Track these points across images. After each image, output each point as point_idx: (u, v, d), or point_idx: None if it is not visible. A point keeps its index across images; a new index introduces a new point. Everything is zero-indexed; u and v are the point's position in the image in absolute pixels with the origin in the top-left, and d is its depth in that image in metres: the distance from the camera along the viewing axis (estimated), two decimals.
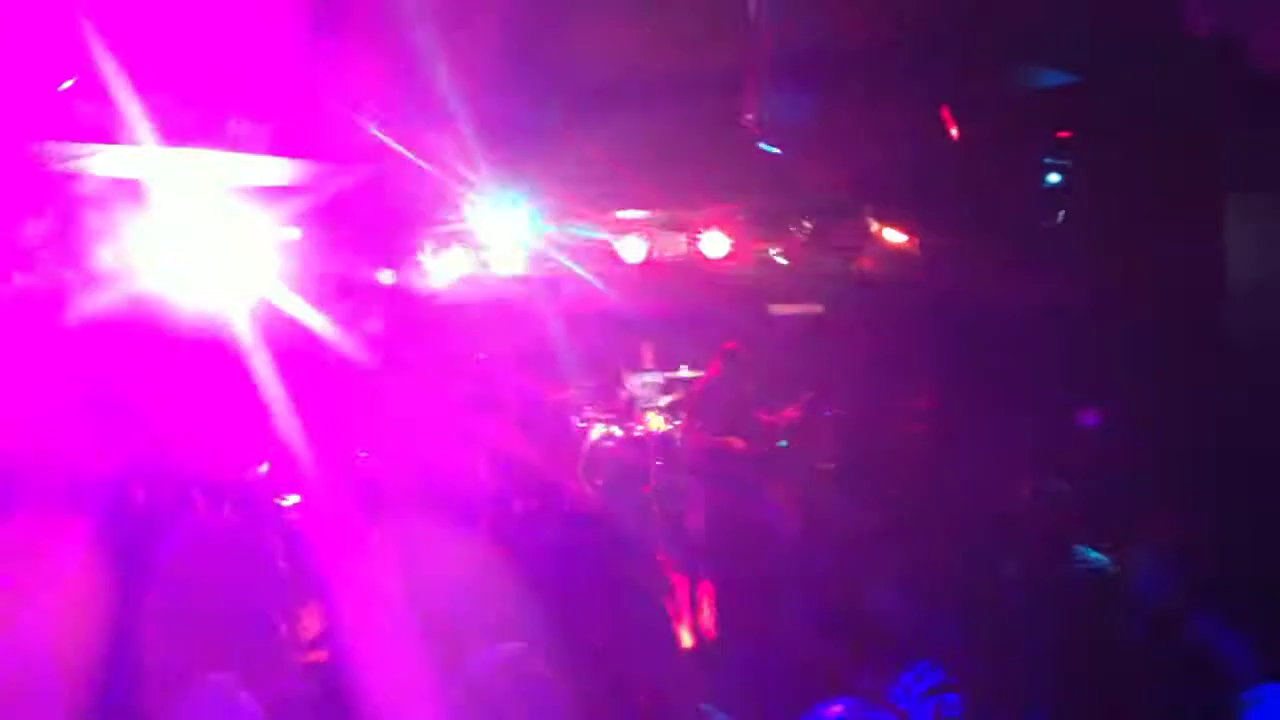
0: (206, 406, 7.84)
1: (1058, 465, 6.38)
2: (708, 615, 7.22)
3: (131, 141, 6.20)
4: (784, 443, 9.81)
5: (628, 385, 12.82)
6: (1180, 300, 7.15)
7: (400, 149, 7.33)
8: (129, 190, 7.70)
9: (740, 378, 9.39)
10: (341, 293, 11.11)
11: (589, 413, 12.78)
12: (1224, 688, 3.73)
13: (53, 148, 6.69)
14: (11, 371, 6.76)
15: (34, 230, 7.70)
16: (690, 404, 9.80)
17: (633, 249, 10.32)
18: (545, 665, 3.20)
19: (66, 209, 7.76)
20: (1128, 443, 7.19)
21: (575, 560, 6.92)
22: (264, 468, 8.14)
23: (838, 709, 2.92)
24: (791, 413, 10.65)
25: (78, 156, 6.86)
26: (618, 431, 12.15)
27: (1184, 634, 3.89)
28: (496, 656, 3.20)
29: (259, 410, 7.79)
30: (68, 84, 5.87)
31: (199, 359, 8.14)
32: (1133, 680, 5.14)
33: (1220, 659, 3.79)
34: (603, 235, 10.52)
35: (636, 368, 12.82)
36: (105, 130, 6.25)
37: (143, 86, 5.86)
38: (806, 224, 10.18)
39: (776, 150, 6.90)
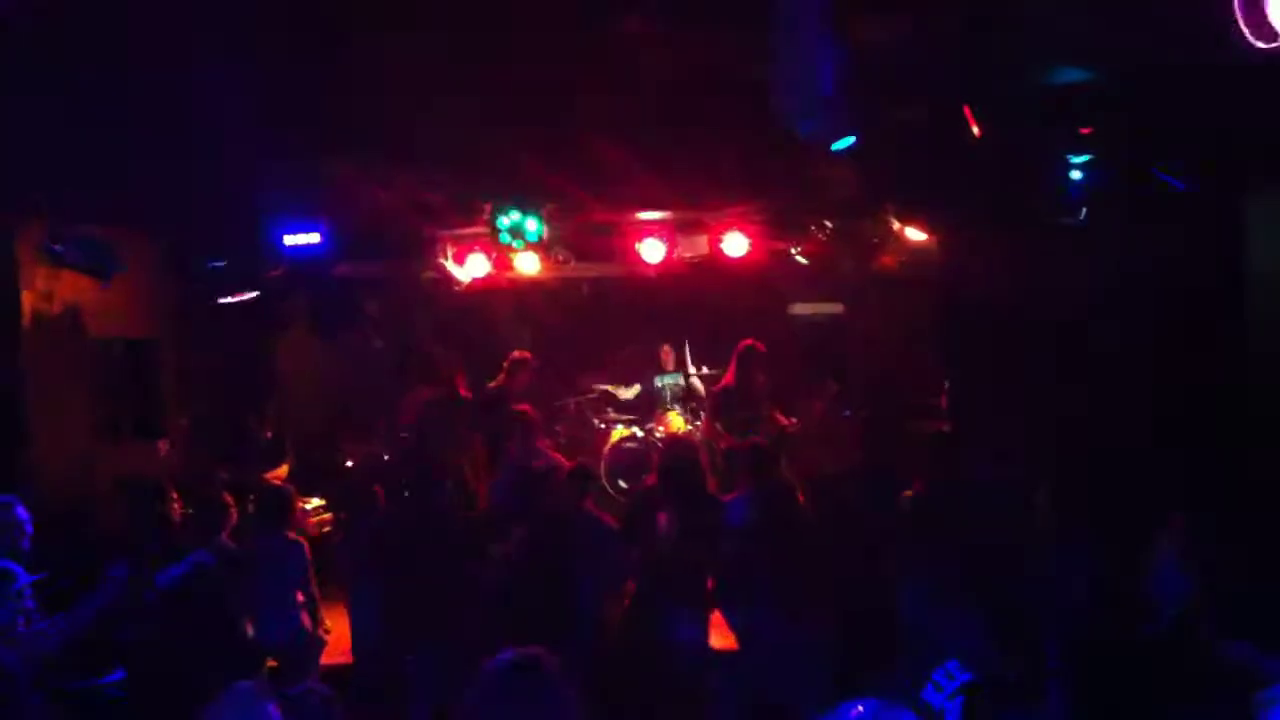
0: None
1: (1076, 465, 6.34)
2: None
3: None
4: None
5: (649, 386, 12.86)
6: (1200, 298, 7.11)
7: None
8: None
9: (757, 377, 9.35)
10: None
11: (610, 413, 12.81)
12: (1240, 690, 3.69)
13: None
14: None
15: None
16: (710, 406, 9.78)
17: (653, 250, 10.31)
18: (559, 667, 3.19)
19: None
20: (1147, 441, 7.14)
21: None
22: None
23: (859, 709, 2.91)
24: (815, 408, 10.66)
25: None
26: (639, 432, 12.17)
27: (1201, 635, 3.86)
28: (511, 658, 3.20)
29: None
30: None
31: None
32: (1151, 682, 5.10)
33: (1236, 660, 3.75)
34: (622, 236, 10.51)
35: (658, 368, 12.85)
36: None
37: None
38: (827, 223, 10.15)
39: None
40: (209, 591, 6.61)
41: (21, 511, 5.91)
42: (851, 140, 6.80)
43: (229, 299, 9.63)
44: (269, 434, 9.57)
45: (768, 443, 9.09)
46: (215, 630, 6.50)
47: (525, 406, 8.94)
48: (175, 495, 7.76)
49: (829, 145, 6.87)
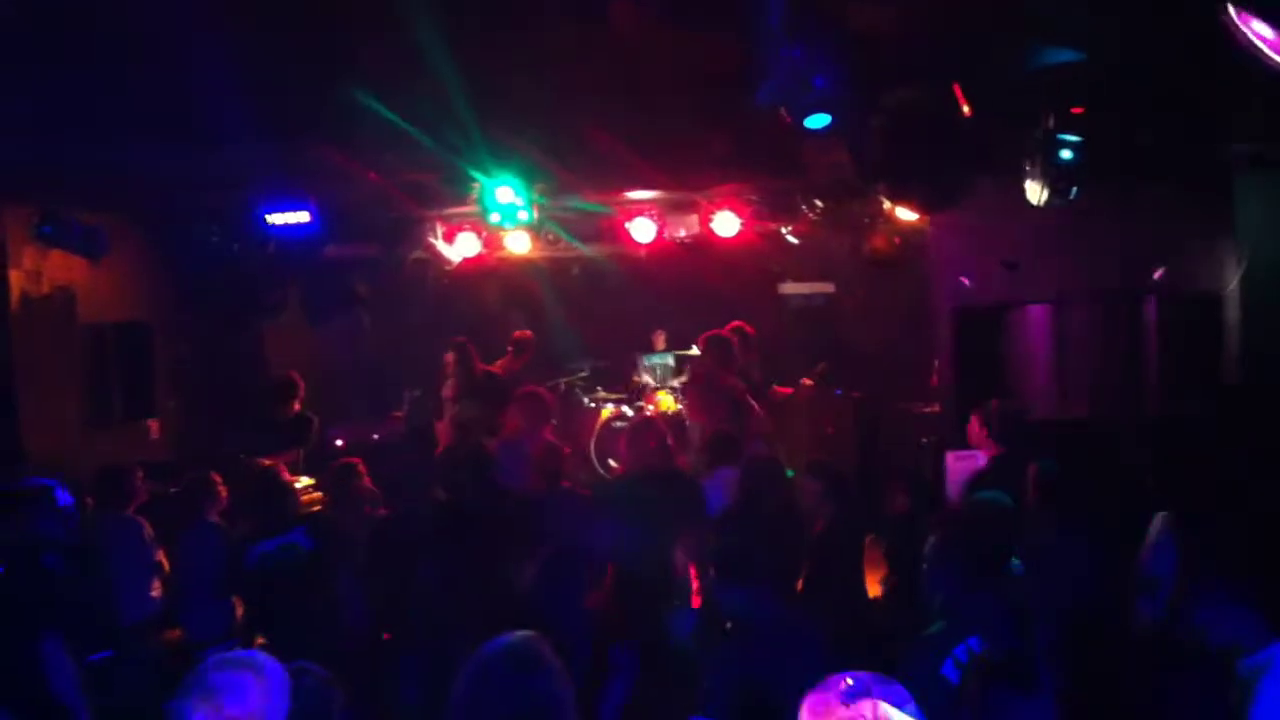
0: None
1: (1064, 448, 6.35)
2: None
3: None
4: None
5: (639, 366, 12.88)
6: (1190, 282, 7.13)
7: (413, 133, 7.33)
8: None
9: (734, 361, 9.26)
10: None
11: (600, 393, 12.82)
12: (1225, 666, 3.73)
13: None
14: None
15: None
16: (692, 388, 9.75)
17: (643, 229, 10.30)
18: (552, 653, 3.19)
19: None
20: (1136, 423, 7.17)
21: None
22: None
23: (848, 682, 2.94)
24: (804, 385, 10.67)
25: None
26: (629, 412, 12.19)
27: (1190, 613, 3.89)
28: (504, 644, 3.20)
29: None
30: None
31: None
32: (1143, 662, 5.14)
33: (1222, 635, 3.79)
34: (613, 216, 10.50)
35: (647, 348, 12.86)
36: None
37: None
38: (818, 203, 10.13)
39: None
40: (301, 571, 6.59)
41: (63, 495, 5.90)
42: (828, 119, 6.78)
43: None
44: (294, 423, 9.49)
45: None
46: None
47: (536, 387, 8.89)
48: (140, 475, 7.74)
49: (786, 110, 6.84)
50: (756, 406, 8.92)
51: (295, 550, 6.62)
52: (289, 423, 9.36)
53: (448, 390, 9.82)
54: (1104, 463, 6.30)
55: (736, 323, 9.77)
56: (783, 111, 6.85)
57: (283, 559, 6.55)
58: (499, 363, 11.13)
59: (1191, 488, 5.69)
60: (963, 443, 7.35)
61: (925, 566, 4.48)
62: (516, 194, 9.56)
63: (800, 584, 6.29)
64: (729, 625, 4.79)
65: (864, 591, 6.67)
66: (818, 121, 6.83)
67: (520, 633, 3.23)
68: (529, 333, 11.30)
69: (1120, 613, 5.38)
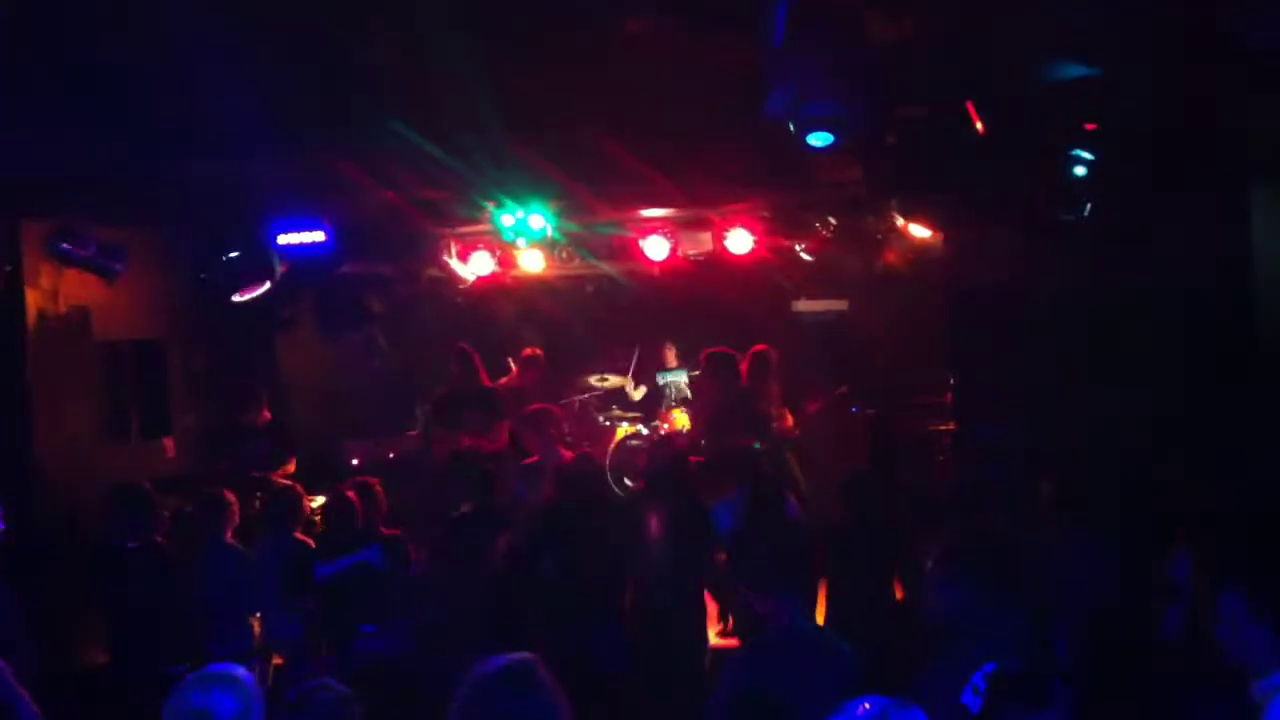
0: None
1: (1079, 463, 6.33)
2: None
3: None
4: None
5: (652, 384, 12.87)
6: (1207, 291, 7.10)
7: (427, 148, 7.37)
8: None
9: (737, 380, 9.24)
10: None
11: (614, 411, 12.81)
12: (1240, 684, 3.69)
13: None
14: None
15: None
16: (701, 407, 9.74)
17: (656, 247, 10.30)
18: (549, 675, 3.19)
19: None
20: (1153, 436, 7.13)
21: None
22: None
23: (866, 706, 2.92)
24: (815, 408, 10.63)
25: None
26: (644, 430, 12.17)
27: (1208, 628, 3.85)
28: (500, 665, 3.19)
29: None
30: None
31: None
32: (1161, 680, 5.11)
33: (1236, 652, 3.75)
34: (626, 234, 10.51)
35: (661, 366, 12.86)
36: None
37: None
38: (831, 220, 10.14)
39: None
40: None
41: None
42: (830, 138, 6.82)
43: (242, 295, 9.57)
44: (272, 431, 9.51)
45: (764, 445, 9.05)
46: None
47: (552, 406, 8.93)
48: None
49: (793, 126, 6.86)
50: (765, 425, 8.92)
51: (368, 568, 6.67)
52: (260, 431, 9.37)
53: (440, 390, 9.89)
54: (1114, 480, 6.25)
55: (760, 346, 9.72)
56: (790, 127, 6.88)
57: (355, 576, 6.61)
58: (503, 380, 11.16)
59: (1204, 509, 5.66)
60: None
61: (930, 586, 4.43)
62: (531, 212, 9.60)
63: (818, 600, 6.28)
64: (749, 637, 4.78)
65: (887, 608, 6.64)
66: (821, 139, 6.88)
67: (516, 654, 3.24)
68: (538, 350, 11.31)
69: (1144, 625, 5.35)
